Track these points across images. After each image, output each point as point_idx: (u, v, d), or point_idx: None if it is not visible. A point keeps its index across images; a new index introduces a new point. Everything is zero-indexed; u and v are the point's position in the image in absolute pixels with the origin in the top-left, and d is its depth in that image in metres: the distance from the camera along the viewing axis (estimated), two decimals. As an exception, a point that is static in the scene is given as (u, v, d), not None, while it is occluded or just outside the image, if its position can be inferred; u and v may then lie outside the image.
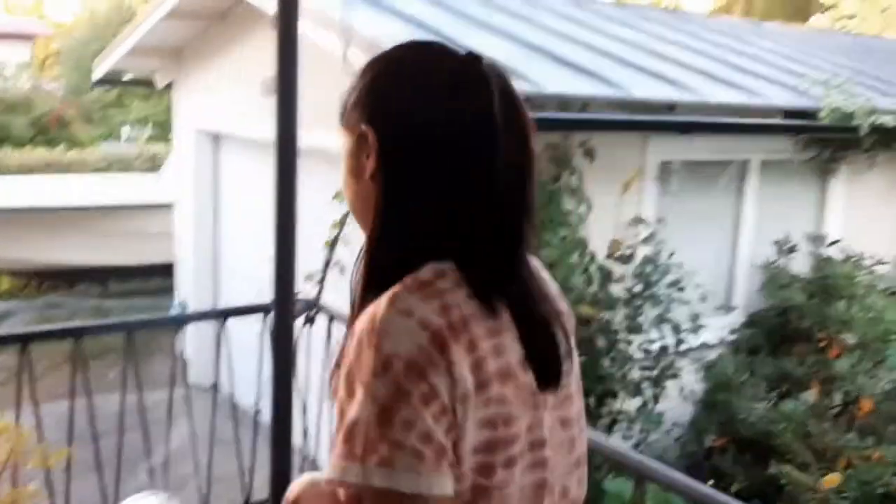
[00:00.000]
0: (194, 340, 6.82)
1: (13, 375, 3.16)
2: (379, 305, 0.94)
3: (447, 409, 0.90)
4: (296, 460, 3.51)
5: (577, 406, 1.09)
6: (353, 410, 0.90)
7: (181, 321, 3.32)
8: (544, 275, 1.10)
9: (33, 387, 2.86)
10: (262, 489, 3.52)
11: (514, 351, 0.98)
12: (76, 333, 3.00)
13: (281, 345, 3.13)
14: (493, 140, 0.97)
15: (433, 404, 0.89)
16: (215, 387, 3.54)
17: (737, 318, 6.10)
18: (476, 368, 0.93)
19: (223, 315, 3.43)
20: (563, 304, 1.11)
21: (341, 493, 0.96)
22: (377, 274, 0.99)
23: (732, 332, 5.93)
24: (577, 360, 1.08)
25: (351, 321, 0.99)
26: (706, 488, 2.13)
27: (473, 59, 1.02)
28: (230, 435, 3.50)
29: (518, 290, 1.00)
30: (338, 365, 0.97)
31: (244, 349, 3.54)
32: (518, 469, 0.96)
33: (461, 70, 1.00)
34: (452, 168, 0.97)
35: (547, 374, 1.02)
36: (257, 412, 3.60)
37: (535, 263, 1.08)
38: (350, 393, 0.91)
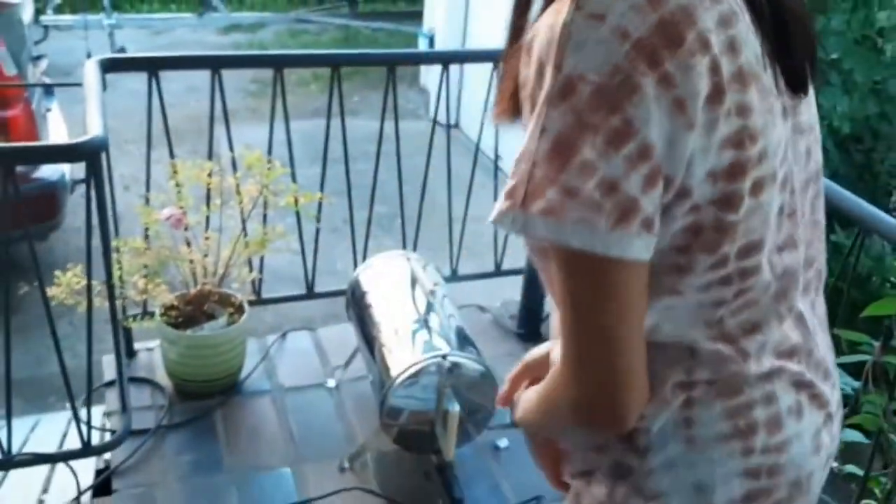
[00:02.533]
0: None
1: (266, 87, 2.91)
2: (559, 9, 0.71)
3: (651, 148, 0.70)
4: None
5: (813, 109, 0.88)
6: (525, 140, 0.74)
7: (451, 59, 2.86)
8: None
9: (286, 112, 2.61)
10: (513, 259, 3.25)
11: (752, 44, 0.75)
12: (335, 61, 2.68)
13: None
14: None
15: (627, 143, 0.69)
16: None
17: None
18: (712, 73, 0.71)
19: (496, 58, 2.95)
20: None
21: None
22: None
23: None
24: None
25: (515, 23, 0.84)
26: None
27: None
28: (477, 180, 3.12)
29: None
30: (510, 96, 0.83)
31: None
32: (765, 195, 0.78)
33: None
34: None
35: (796, 78, 0.81)
36: (497, 158, 3.19)
37: None
38: (527, 118, 0.74)
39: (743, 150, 0.74)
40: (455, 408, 2.11)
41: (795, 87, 0.82)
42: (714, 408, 0.84)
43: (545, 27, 0.72)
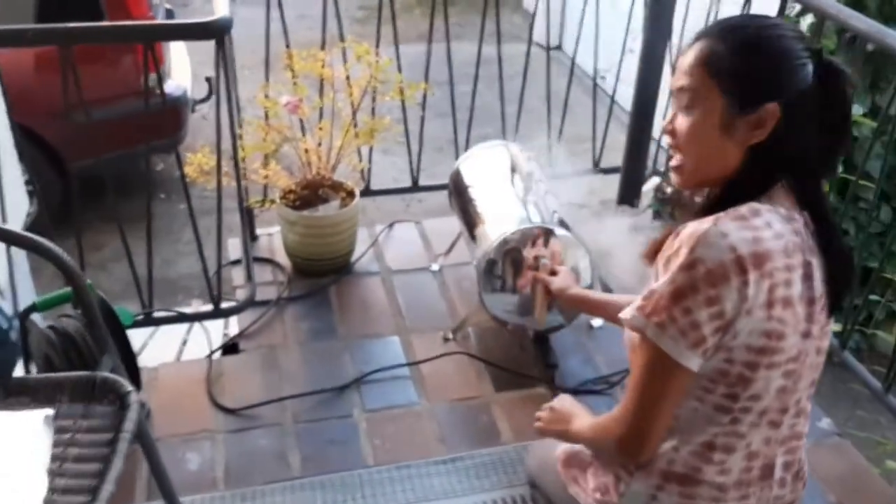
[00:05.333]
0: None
1: (372, 14, 3.03)
2: (703, 222, 1.18)
3: (725, 315, 1.16)
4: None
5: (827, 342, 1.32)
6: (659, 282, 1.19)
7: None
8: None
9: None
10: (609, 157, 3.34)
11: (797, 287, 1.20)
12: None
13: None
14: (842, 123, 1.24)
15: (713, 307, 1.15)
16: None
17: None
18: (770, 292, 1.17)
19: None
20: None
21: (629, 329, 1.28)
22: (708, 207, 1.24)
23: None
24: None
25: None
26: None
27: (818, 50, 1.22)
28: (576, 99, 3.24)
29: (828, 236, 1.25)
30: (654, 252, 1.26)
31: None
32: (776, 373, 1.22)
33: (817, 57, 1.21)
34: (808, 145, 1.22)
35: (832, 307, 1.28)
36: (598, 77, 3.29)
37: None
38: (664, 269, 1.20)
39: (770, 341, 1.18)
40: (545, 261, 2.21)
41: (830, 313, 1.29)
42: (673, 496, 1.30)
43: (692, 227, 1.18)
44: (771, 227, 1.18)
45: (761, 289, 1.16)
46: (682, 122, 1.25)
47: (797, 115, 1.19)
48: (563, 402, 1.58)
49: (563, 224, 2.39)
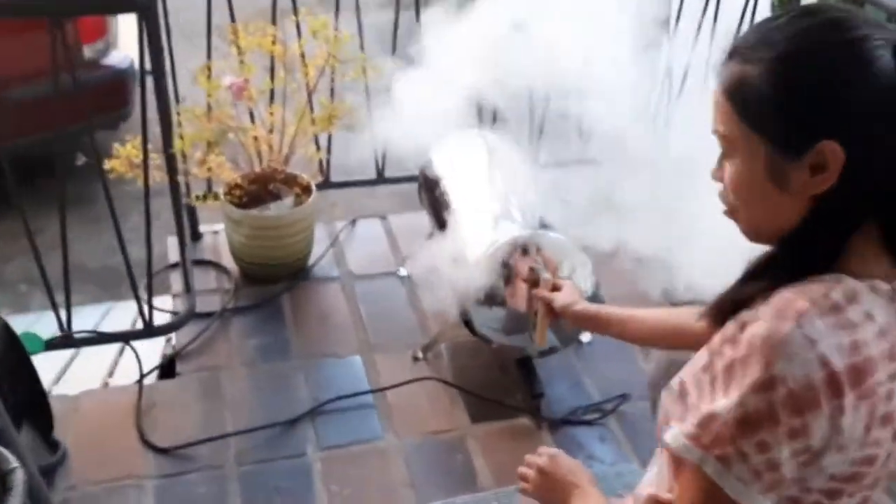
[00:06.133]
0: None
1: None
2: (784, 316, 0.86)
3: (812, 450, 0.87)
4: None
5: None
6: (718, 402, 0.89)
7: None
8: None
9: None
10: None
11: None
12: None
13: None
14: None
15: (797, 442, 0.86)
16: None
17: None
18: (868, 415, 0.87)
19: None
20: None
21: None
22: (774, 271, 0.94)
23: None
24: None
25: (731, 297, 0.97)
26: None
27: None
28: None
29: None
30: (716, 315, 0.98)
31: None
32: (858, 495, 0.95)
33: None
34: None
35: None
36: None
37: None
38: (725, 381, 0.90)
39: (860, 468, 0.90)
40: (545, 275, 1.90)
41: None
42: None
43: (768, 328, 0.86)
44: (873, 320, 0.87)
45: (859, 415, 0.86)
46: (727, 171, 0.94)
47: (877, 144, 0.86)
48: (558, 464, 1.23)
49: (545, 224, 2.09)
